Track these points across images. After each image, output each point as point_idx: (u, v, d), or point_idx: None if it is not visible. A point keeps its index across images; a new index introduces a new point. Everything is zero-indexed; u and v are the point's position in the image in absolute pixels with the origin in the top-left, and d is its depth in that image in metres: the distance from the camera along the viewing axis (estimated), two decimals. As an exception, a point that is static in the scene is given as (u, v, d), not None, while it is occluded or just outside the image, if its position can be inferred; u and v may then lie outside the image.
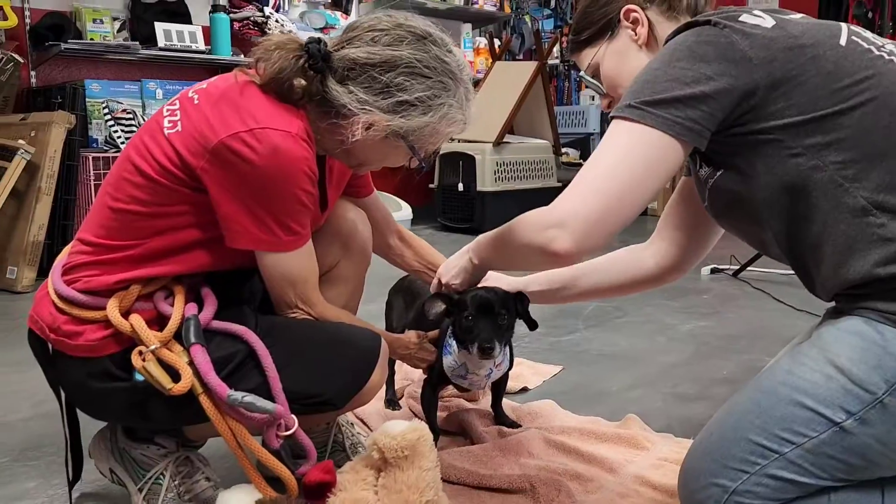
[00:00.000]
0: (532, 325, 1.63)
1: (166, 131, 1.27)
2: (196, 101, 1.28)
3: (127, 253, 1.28)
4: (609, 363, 2.46)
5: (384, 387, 2.04)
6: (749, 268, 3.87)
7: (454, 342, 1.65)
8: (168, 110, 1.30)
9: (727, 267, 3.95)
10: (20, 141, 3.60)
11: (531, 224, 1.25)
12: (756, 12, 1.21)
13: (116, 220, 1.28)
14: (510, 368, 1.78)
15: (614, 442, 1.76)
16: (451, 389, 2.06)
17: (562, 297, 1.66)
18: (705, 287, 3.65)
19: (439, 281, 1.59)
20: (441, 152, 5.55)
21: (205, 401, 1.22)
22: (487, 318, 1.54)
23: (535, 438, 1.75)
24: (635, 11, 1.37)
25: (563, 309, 3.18)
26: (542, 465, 1.62)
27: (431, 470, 1.25)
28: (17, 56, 3.97)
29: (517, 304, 1.60)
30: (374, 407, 1.99)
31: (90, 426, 1.47)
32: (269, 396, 1.24)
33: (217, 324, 1.30)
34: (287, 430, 1.24)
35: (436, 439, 1.74)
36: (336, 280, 1.55)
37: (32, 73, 4.29)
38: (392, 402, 2.01)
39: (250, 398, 1.19)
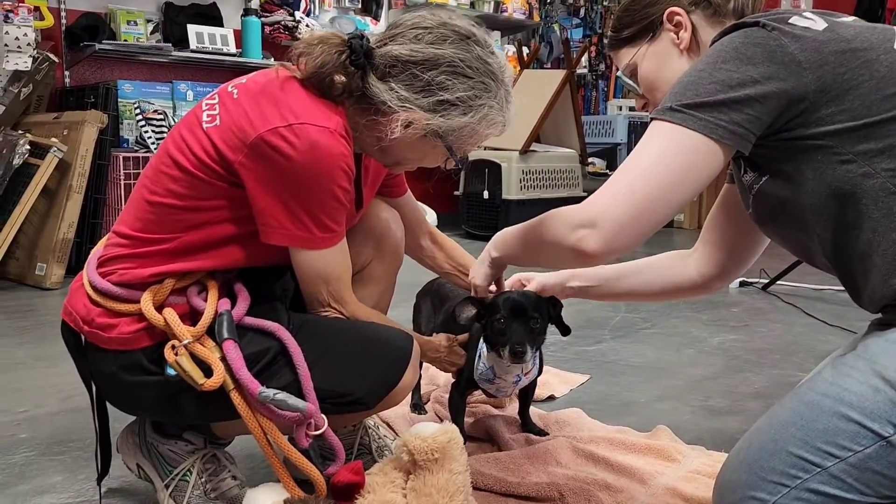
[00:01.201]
0: (565, 330, 1.60)
1: (205, 125, 1.26)
2: (235, 96, 1.28)
3: (162, 247, 1.28)
4: (637, 374, 2.42)
5: (411, 392, 2.03)
6: (779, 282, 3.81)
7: (484, 346, 1.63)
8: (207, 104, 1.30)
9: (756, 280, 3.89)
10: (53, 139, 3.64)
11: (561, 221, 1.23)
12: (807, 14, 1.18)
13: (153, 213, 1.28)
14: (539, 375, 1.76)
15: (644, 453, 1.73)
16: (478, 395, 2.04)
17: (600, 294, 1.63)
18: (734, 300, 3.60)
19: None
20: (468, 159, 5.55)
21: (236, 397, 1.21)
22: (520, 322, 1.52)
23: (563, 447, 1.72)
24: (679, 14, 1.34)
25: (590, 318, 3.15)
26: (571, 474, 1.59)
27: (462, 474, 1.24)
28: (52, 56, 4.03)
29: (550, 308, 1.58)
30: (400, 411, 1.98)
31: (118, 422, 1.47)
32: (300, 394, 1.23)
33: (249, 320, 1.29)
34: (317, 429, 1.23)
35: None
36: (367, 280, 1.54)
37: (66, 72, 4.34)
38: (418, 406, 1.99)
39: (282, 395, 1.18)
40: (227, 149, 1.23)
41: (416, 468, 1.24)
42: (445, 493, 1.21)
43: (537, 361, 1.70)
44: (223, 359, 1.21)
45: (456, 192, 5.60)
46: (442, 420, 1.91)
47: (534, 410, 1.96)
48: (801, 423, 1.16)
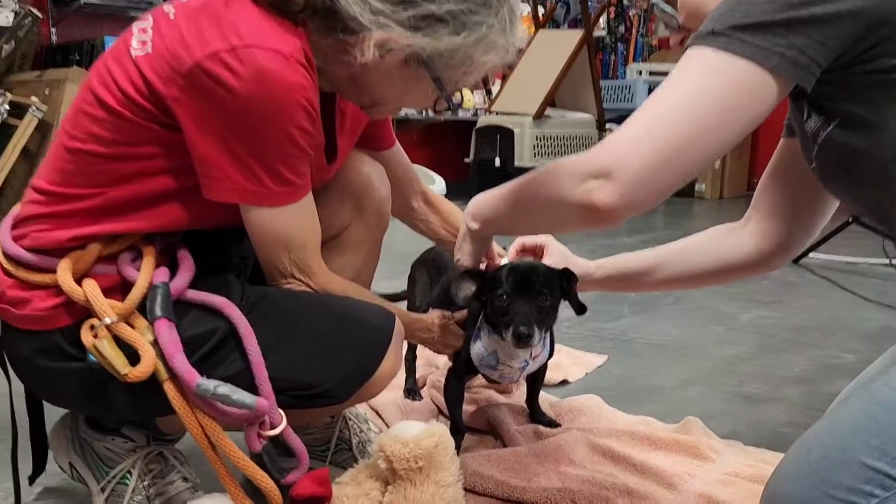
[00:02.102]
0: (580, 308, 1.36)
1: (134, 53, 1.01)
2: (172, 16, 1.03)
3: (84, 204, 1.04)
4: (660, 354, 2.18)
5: (403, 375, 1.79)
6: (811, 254, 3.53)
7: (485, 326, 1.39)
8: (139, 28, 1.05)
9: (786, 253, 3.61)
10: (32, 98, 3.41)
11: (565, 173, 1.00)
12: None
13: (73, 162, 1.04)
14: (550, 358, 1.51)
15: (672, 449, 1.48)
16: (480, 380, 1.80)
17: (639, 284, 1.37)
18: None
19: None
20: (478, 125, 5.28)
21: (170, 389, 0.97)
22: (526, 299, 1.27)
23: (577, 442, 1.48)
24: None
25: (607, 292, 2.90)
26: (587, 475, 1.35)
27: (451, 486, 1.00)
28: (35, 11, 3.78)
29: (562, 282, 1.33)
30: (391, 397, 1.74)
31: (57, 413, 1.24)
32: (252, 386, 0.99)
33: (193, 294, 1.05)
34: (272, 428, 0.99)
35: (460, 439, 1.49)
36: (345, 246, 1.29)
37: (53, 29, 4.11)
38: (412, 391, 1.76)
39: (225, 389, 0.94)
40: (158, 81, 0.98)
41: (395, 478, 1.00)
42: (430, 510, 0.97)
43: (547, 343, 1.46)
44: (155, 343, 0.97)
45: (466, 160, 5.33)
46: (439, 408, 1.68)
47: (544, 397, 1.72)
48: (875, 427, 0.95)
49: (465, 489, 1.31)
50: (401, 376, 1.81)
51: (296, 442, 1.02)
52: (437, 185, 4.98)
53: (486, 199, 1.20)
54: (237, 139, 0.97)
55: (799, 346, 2.25)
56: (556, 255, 1.37)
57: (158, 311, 0.98)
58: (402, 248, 1.79)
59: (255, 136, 0.97)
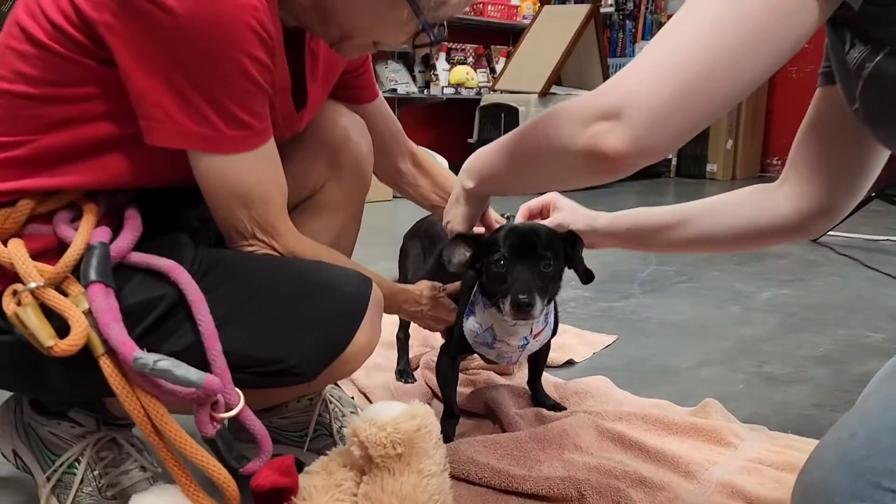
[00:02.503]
0: (587, 275, 1.21)
1: None
2: None
3: (12, 153, 0.90)
4: (673, 334, 2.03)
5: (397, 356, 1.66)
6: (830, 232, 3.37)
7: (479, 297, 1.24)
8: (70, -51, 0.91)
9: (804, 231, 3.45)
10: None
11: (569, 116, 0.87)
12: None
13: (-2, 106, 0.90)
14: (553, 336, 1.37)
15: (690, 434, 1.34)
16: (479, 361, 1.66)
17: (658, 241, 1.22)
18: (780, 251, 3.17)
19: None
20: (481, 104, 5.12)
21: (107, 365, 0.83)
22: (525, 264, 1.13)
23: (584, 426, 1.34)
24: None
25: (616, 271, 2.75)
26: (594, 463, 1.21)
27: (436, 476, 0.86)
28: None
29: (566, 246, 1.19)
30: (382, 379, 1.61)
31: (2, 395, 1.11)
32: (205, 362, 0.86)
33: (137, 257, 0.91)
34: (228, 410, 0.85)
35: (455, 423, 1.35)
36: (320, 209, 1.15)
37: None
38: (405, 373, 1.62)
39: (167, 363, 0.80)
40: (88, 6, 0.84)
41: (371, 466, 0.86)
42: (411, 503, 0.83)
43: (550, 319, 1.31)
44: (90, 312, 0.84)
45: (469, 140, 5.17)
46: (434, 392, 1.54)
47: (548, 379, 1.58)
48: None
49: (459, 478, 1.18)
50: (392, 357, 1.68)
51: (256, 425, 0.88)
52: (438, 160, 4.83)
53: (483, 154, 1.07)
54: (179, 71, 0.83)
55: (822, 326, 2.10)
56: (565, 208, 1.23)
57: (93, 275, 0.84)
58: (404, 227, 1.64)
59: (199, 66, 0.83)
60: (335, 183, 1.14)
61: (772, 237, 1.18)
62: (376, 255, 1.96)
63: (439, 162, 4.65)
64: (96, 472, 1.04)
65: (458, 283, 1.32)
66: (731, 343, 1.96)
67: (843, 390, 1.62)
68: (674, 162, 6.07)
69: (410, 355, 1.69)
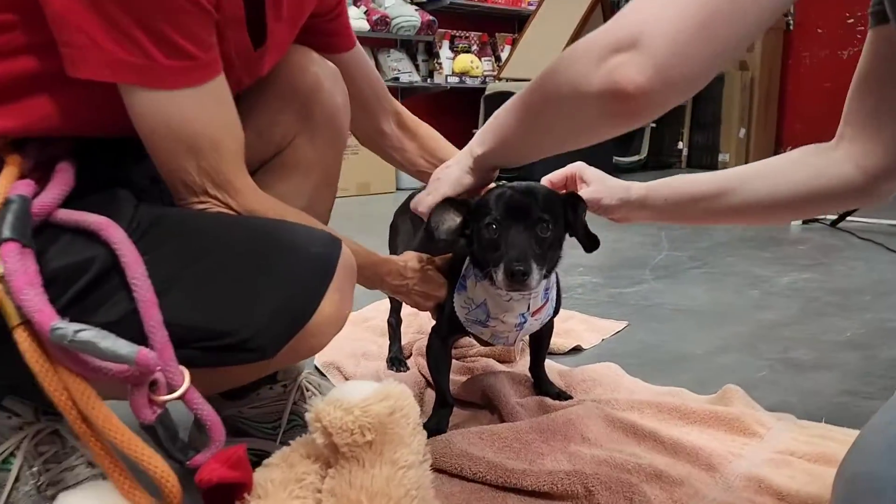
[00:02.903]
0: (590, 242, 1.08)
1: None
2: None
3: (-81, 95, 0.78)
4: (688, 320, 1.89)
5: (388, 342, 1.52)
6: (849, 217, 3.22)
7: (471, 269, 1.11)
8: None
9: (822, 216, 3.31)
10: None
11: (582, 53, 0.78)
12: None
13: None
14: (556, 314, 1.24)
15: (710, 424, 1.20)
16: (476, 346, 1.53)
17: (701, 212, 1.08)
18: (798, 237, 3.02)
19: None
20: (486, 93, 4.99)
21: (22, 338, 0.70)
22: (520, 227, 1.00)
23: (591, 416, 1.20)
24: None
25: (626, 257, 2.61)
26: (604, 456, 1.08)
27: (413, 468, 0.72)
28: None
29: (567, 209, 1.05)
30: (373, 368, 1.47)
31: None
32: (142, 335, 0.73)
33: (65, 214, 0.78)
34: (171, 392, 0.72)
35: (447, 414, 1.21)
36: (289, 168, 1.02)
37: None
38: (396, 361, 1.49)
39: (90, 334, 0.67)
40: None
41: (337, 457, 0.73)
42: (384, 498, 0.70)
43: (552, 295, 1.18)
44: (3, 276, 0.71)
45: (474, 130, 5.03)
46: (428, 381, 1.40)
47: (552, 366, 1.44)
48: None
49: (451, 474, 1.05)
50: (385, 345, 1.54)
51: (205, 410, 0.75)
52: (443, 156, 4.70)
53: (495, 114, 0.96)
54: (104, -13, 0.70)
55: (847, 310, 1.96)
56: (593, 180, 1.10)
57: (7, 232, 0.71)
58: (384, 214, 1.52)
59: (126, -20, 0.70)
60: (306, 138, 1.01)
61: (833, 201, 1.04)
62: (379, 246, 1.83)
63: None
64: (35, 469, 0.91)
65: (449, 256, 1.18)
66: (751, 328, 1.82)
67: (877, 376, 1.48)
68: (685, 152, 5.91)
69: (403, 342, 1.56)
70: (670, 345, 1.69)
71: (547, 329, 1.29)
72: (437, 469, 1.05)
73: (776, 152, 6.14)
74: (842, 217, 3.23)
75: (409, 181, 3.63)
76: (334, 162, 1.05)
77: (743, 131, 5.77)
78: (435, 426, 1.17)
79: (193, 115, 0.78)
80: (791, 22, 5.96)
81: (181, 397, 0.73)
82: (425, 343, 1.52)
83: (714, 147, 5.81)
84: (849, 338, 1.73)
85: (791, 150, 1.09)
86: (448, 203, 1.05)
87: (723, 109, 5.73)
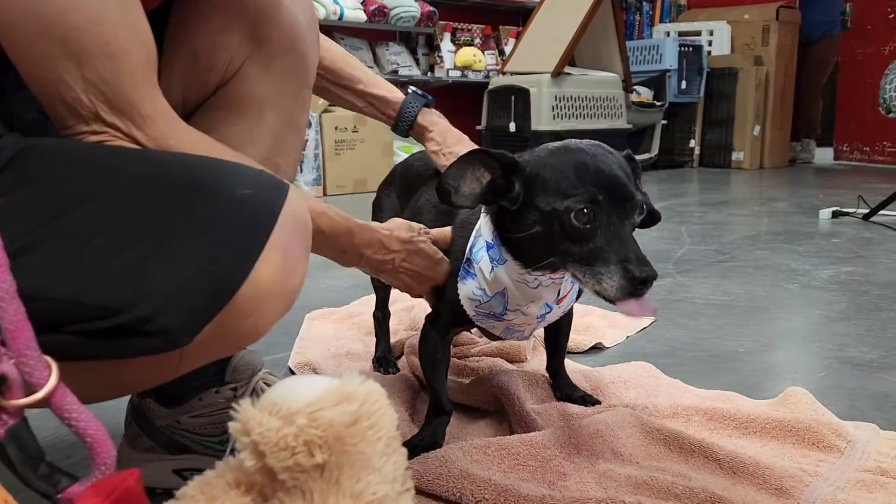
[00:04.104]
0: (654, 216, 0.87)
1: None
2: None
3: None
4: (724, 315, 1.65)
5: (375, 340, 1.28)
6: (881, 211, 2.98)
7: (483, 252, 0.87)
8: None
9: (853, 210, 3.07)
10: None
11: None
12: None
13: None
14: (577, 299, 1.00)
15: (774, 435, 0.96)
16: (480, 345, 1.29)
17: None
18: (830, 231, 2.78)
19: None
20: (489, 88, 4.76)
21: None
22: (622, 214, 0.78)
23: (625, 425, 0.96)
24: None
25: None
26: (644, 477, 0.84)
27: (387, 500, 0.49)
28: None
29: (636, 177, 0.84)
30: (357, 369, 1.24)
31: None
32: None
33: None
34: (30, 393, 0.49)
35: (444, 423, 0.97)
36: (238, 104, 0.78)
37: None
38: (384, 361, 1.25)
39: None
40: None
41: (275, 487, 0.49)
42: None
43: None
44: None
45: (478, 127, 4.80)
46: (421, 383, 1.16)
47: (573, 366, 1.21)
48: None
49: (448, 500, 0.81)
50: (373, 344, 1.31)
51: (81, 420, 0.51)
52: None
53: None
54: None
55: (905, 303, 1.72)
56: None
57: None
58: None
59: None
60: (258, 67, 0.78)
61: None
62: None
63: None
64: None
65: (447, 230, 0.95)
66: (798, 324, 1.58)
67: (959, 377, 1.24)
68: (696, 151, 5.67)
69: (394, 339, 1.32)
70: (707, 342, 1.45)
71: (567, 318, 1.06)
72: (430, 495, 0.81)
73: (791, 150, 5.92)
74: (874, 210, 2.99)
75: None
76: (298, 100, 0.82)
77: (757, 129, 5.53)
78: (430, 440, 0.94)
79: (77, 3, 0.55)
80: (848, 21, 5.81)
81: (45, 401, 0.50)
82: (417, 339, 1.29)
83: (727, 145, 5.58)
84: (913, 334, 1.49)
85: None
86: (476, 157, 0.81)
87: (736, 107, 5.49)
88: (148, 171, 0.57)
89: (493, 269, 0.88)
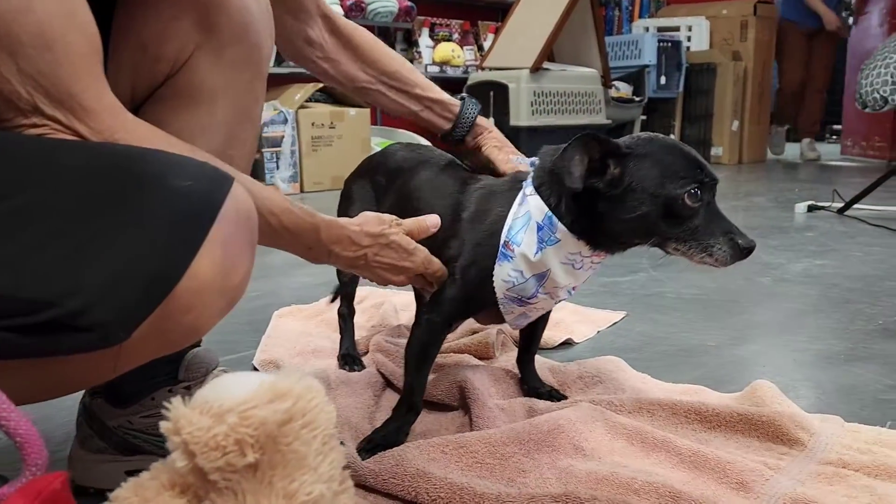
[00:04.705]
0: None
1: None
2: None
3: None
4: (695, 309, 1.65)
5: (341, 339, 1.27)
6: (856, 205, 3.00)
7: (524, 234, 0.89)
8: None
9: (828, 204, 3.09)
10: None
11: None
12: None
13: None
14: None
15: (738, 429, 0.96)
16: (448, 342, 1.28)
17: None
18: (805, 225, 2.80)
19: None
20: (468, 83, 4.75)
21: None
22: (714, 192, 0.89)
23: (588, 420, 0.95)
24: None
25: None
26: (604, 472, 0.83)
27: (323, 500, 0.47)
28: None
29: None
30: (320, 367, 1.22)
31: None
32: None
33: None
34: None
35: (410, 421, 0.96)
36: (187, 96, 0.76)
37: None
38: (349, 358, 1.23)
39: None
40: None
41: (207, 487, 0.48)
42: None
43: None
44: None
45: (457, 123, 4.79)
46: (388, 381, 1.15)
47: (541, 361, 1.20)
48: None
49: (404, 500, 0.80)
50: (335, 339, 1.29)
51: (11, 418, 0.49)
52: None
53: None
54: None
55: (874, 296, 1.72)
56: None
57: None
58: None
59: None
60: (208, 57, 0.76)
61: None
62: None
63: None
64: None
65: (427, 218, 0.92)
66: (768, 318, 1.58)
67: (924, 368, 1.24)
68: (676, 146, 5.69)
69: (359, 336, 1.30)
70: (676, 336, 1.44)
71: (547, 313, 1.06)
72: (386, 494, 0.80)
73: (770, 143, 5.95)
74: (849, 203, 3.01)
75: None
76: (251, 89, 0.80)
77: (736, 124, 5.56)
78: (392, 437, 0.92)
79: None
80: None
81: (-33, 401, 0.48)
82: (383, 337, 1.28)
83: (707, 140, 5.60)
84: (882, 326, 1.49)
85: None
86: (584, 140, 0.84)
87: (715, 102, 5.52)
88: (83, 162, 0.56)
89: (540, 250, 0.89)
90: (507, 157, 1.06)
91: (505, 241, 0.91)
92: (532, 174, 0.93)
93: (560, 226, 0.88)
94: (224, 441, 0.45)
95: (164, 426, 0.48)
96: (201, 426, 0.46)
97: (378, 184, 1.15)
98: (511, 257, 0.90)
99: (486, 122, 1.12)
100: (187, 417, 0.47)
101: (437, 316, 0.95)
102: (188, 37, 0.75)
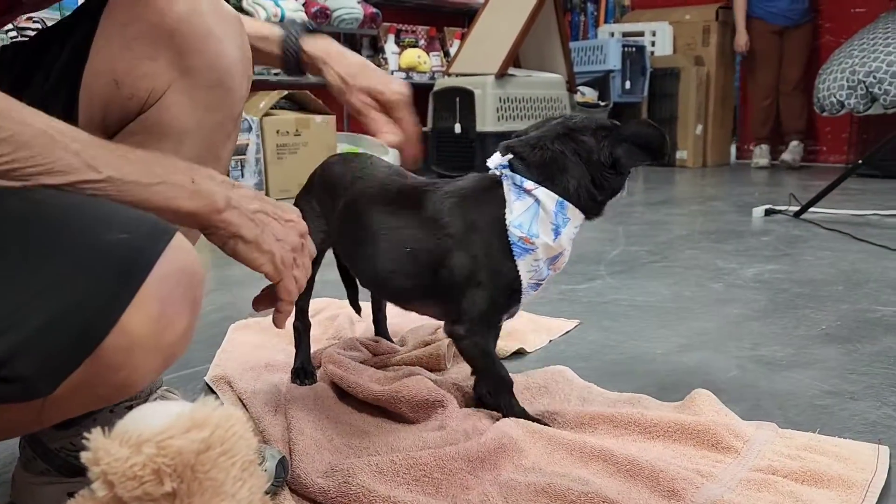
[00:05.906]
0: None
1: None
2: None
3: None
4: (647, 317, 1.68)
5: (294, 351, 1.28)
6: (812, 209, 3.07)
7: (538, 224, 0.99)
8: None
9: (785, 208, 3.16)
10: None
11: None
12: None
13: None
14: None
15: (675, 438, 0.99)
16: (400, 353, 1.30)
17: None
18: (761, 229, 2.86)
19: None
20: (435, 89, 4.77)
21: None
22: None
23: (530, 434, 0.97)
24: None
25: (580, 252, 2.40)
26: (543, 483, 0.85)
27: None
28: None
29: None
30: (273, 381, 1.23)
31: None
32: None
33: None
34: None
35: (514, 398, 0.98)
36: (157, 132, 0.76)
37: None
38: (302, 372, 1.24)
39: None
40: None
41: (130, 517, 0.49)
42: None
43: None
44: None
45: (423, 129, 4.81)
46: (341, 392, 1.16)
47: (489, 372, 1.22)
48: None
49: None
50: (290, 352, 1.30)
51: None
52: (389, 155, 4.46)
53: None
54: None
55: (820, 301, 1.77)
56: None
57: None
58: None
59: None
60: (182, 97, 0.75)
61: None
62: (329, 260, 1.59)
63: (391, 152, 4.21)
64: None
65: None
66: (717, 324, 1.62)
67: (860, 373, 1.29)
68: (641, 150, 5.76)
69: (314, 349, 1.31)
70: (626, 345, 1.48)
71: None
72: (328, 511, 0.81)
73: (739, 148, 6.04)
74: (805, 207, 3.08)
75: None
76: (220, 130, 0.80)
77: (700, 128, 5.65)
78: (520, 409, 1.05)
79: None
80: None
81: None
82: (335, 349, 1.29)
83: (671, 144, 5.68)
84: (824, 331, 1.54)
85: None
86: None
87: (679, 106, 5.60)
88: (21, 209, 0.56)
89: (557, 234, 0.99)
90: (353, 101, 0.96)
91: (521, 237, 0.98)
92: (520, 171, 1.00)
93: (570, 206, 0.99)
94: (141, 471, 0.47)
95: (84, 457, 0.49)
96: (119, 456, 0.47)
97: (323, 202, 1.16)
98: (532, 249, 0.99)
99: (321, 47, 0.98)
100: (106, 448, 0.48)
101: (481, 339, 1.04)
102: (163, 77, 0.75)
